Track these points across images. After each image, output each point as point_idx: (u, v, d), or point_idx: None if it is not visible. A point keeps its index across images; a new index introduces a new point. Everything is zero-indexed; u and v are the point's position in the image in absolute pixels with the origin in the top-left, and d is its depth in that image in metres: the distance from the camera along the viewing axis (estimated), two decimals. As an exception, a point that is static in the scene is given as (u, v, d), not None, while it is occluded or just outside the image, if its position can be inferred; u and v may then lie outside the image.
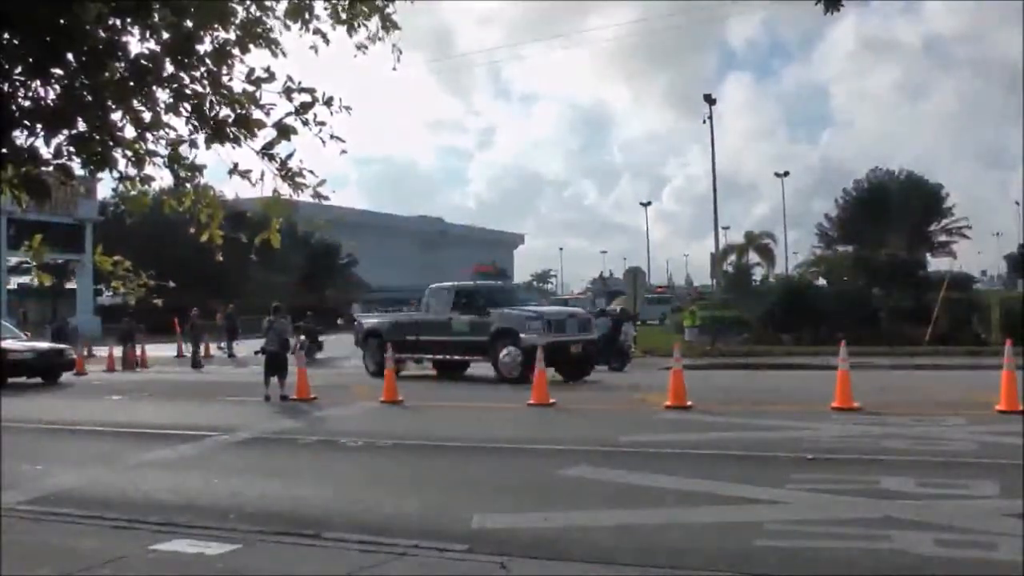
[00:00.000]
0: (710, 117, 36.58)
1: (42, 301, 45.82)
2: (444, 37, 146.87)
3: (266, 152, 4.29)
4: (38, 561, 5.88)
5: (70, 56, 3.85)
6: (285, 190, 4.43)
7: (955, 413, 11.97)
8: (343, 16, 4.87)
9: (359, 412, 14.64)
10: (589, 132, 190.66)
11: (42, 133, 3.85)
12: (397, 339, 19.85)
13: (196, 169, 4.35)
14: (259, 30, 4.48)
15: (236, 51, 4.23)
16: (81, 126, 3.92)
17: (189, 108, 4.16)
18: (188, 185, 4.44)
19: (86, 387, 20.71)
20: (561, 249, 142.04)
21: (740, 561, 5.63)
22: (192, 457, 10.23)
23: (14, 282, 43.40)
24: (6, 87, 3.82)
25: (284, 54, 4.58)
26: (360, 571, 5.51)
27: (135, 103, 4.03)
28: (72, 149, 3.92)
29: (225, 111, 4.21)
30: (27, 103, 3.89)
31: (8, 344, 20.49)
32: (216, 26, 4.16)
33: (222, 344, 32.13)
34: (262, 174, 4.36)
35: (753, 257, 64.13)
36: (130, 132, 4.11)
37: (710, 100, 37.16)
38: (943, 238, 67.85)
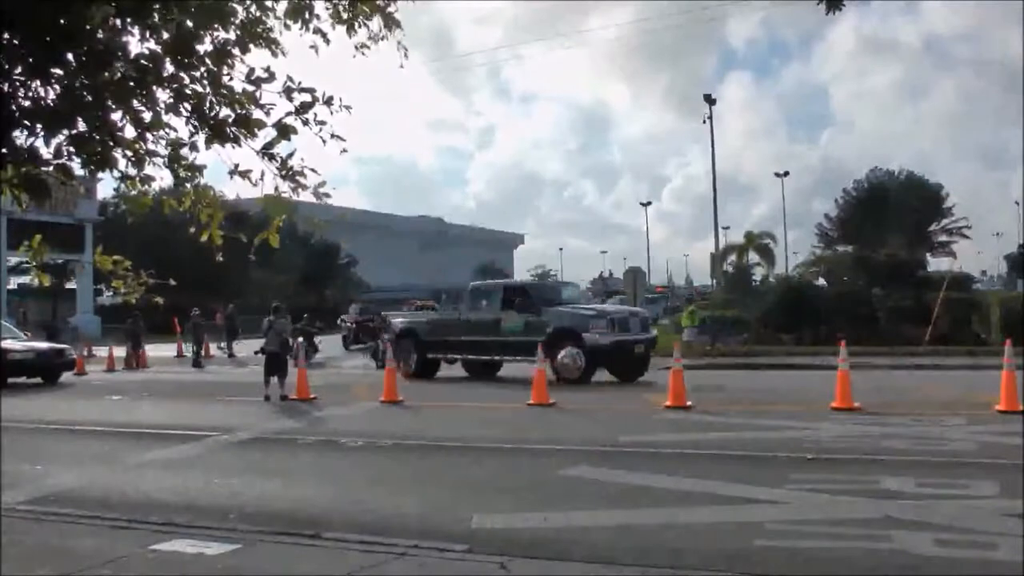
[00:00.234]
0: (710, 117, 36.43)
1: (42, 301, 45.81)
2: (444, 37, 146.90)
3: (266, 152, 4.29)
4: (38, 561, 5.88)
5: (70, 56, 3.85)
6: (286, 189, 4.43)
7: (955, 413, 11.97)
8: (344, 16, 4.87)
9: (359, 412, 14.63)
10: (589, 132, 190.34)
11: (42, 133, 3.85)
12: (435, 339, 19.50)
13: (196, 169, 4.36)
14: (259, 30, 4.49)
15: (236, 51, 4.23)
16: (81, 126, 3.92)
17: (189, 108, 4.16)
18: (188, 185, 4.45)
19: (86, 387, 20.70)
20: (561, 249, 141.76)
21: (740, 561, 5.62)
22: (192, 457, 10.23)
23: (14, 282, 43.41)
24: (6, 87, 3.83)
25: (284, 54, 4.59)
26: (360, 571, 5.51)
27: (135, 103, 4.03)
28: (72, 149, 3.92)
29: (225, 111, 4.21)
30: (27, 103, 3.90)
31: (8, 344, 20.49)
32: (216, 26, 4.16)
33: (222, 344, 32.14)
34: (262, 174, 4.37)
35: (753, 257, 63.97)
36: (130, 132, 4.11)
37: (710, 100, 37.06)
38: (943, 238, 68.12)
